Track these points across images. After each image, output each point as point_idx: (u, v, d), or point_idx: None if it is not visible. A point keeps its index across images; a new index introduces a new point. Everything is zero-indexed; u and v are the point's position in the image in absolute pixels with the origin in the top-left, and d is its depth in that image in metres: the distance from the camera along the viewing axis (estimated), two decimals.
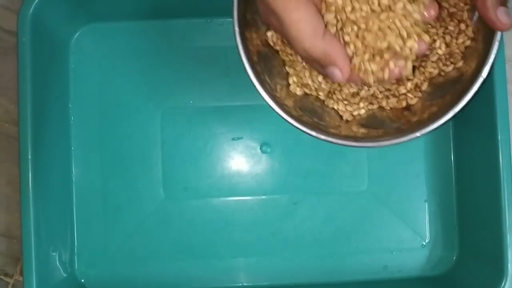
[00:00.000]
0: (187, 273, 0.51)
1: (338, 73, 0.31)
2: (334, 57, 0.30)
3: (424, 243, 0.51)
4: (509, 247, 0.44)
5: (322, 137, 0.34)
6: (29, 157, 0.44)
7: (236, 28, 0.32)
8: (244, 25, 0.33)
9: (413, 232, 0.52)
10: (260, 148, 0.52)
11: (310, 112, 0.37)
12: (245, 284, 0.51)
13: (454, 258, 0.51)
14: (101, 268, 0.51)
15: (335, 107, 0.38)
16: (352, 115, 0.38)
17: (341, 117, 0.39)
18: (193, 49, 0.51)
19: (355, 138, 0.35)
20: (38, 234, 0.44)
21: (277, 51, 0.38)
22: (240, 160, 0.51)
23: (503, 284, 0.44)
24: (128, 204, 0.51)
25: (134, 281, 0.51)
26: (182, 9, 0.50)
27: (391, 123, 0.37)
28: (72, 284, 0.49)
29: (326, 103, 0.39)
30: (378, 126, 0.37)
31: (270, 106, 0.33)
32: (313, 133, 0.34)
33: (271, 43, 0.38)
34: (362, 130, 0.37)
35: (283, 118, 0.34)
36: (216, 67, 0.51)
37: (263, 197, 0.51)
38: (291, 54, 0.37)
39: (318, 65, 0.31)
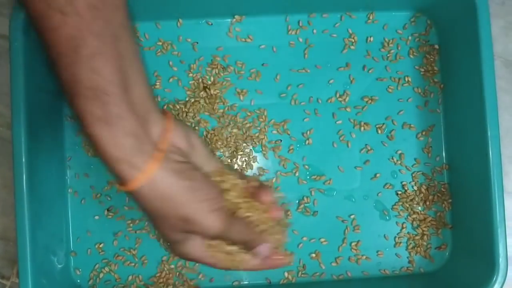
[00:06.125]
0: (184, 273, 0.51)
1: None
2: None
3: (417, 240, 0.52)
4: (500, 242, 0.45)
5: None
6: (23, 159, 0.44)
7: None
8: None
9: (406, 229, 0.52)
10: (253, 148, 0.52)
11: None
12: (244, 283, 0.51)
13: (447, 254, 0.52)
14: (97, 269, 0.51)
15: None
16: None
17: None
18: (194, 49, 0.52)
19: None
20: (34, 236, 0.45)
21: None
22: (236, 160, 0.52)
23: (494, 279, 0.44)
24: (123, 204, 0.51)
25: (130, 281, 0.51)
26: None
27: None
28: (68, 285, 0.50)
29: None
30: None
31: None
32: None
33: None
34: None
35: None
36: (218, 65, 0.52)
37: None
38: None
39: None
